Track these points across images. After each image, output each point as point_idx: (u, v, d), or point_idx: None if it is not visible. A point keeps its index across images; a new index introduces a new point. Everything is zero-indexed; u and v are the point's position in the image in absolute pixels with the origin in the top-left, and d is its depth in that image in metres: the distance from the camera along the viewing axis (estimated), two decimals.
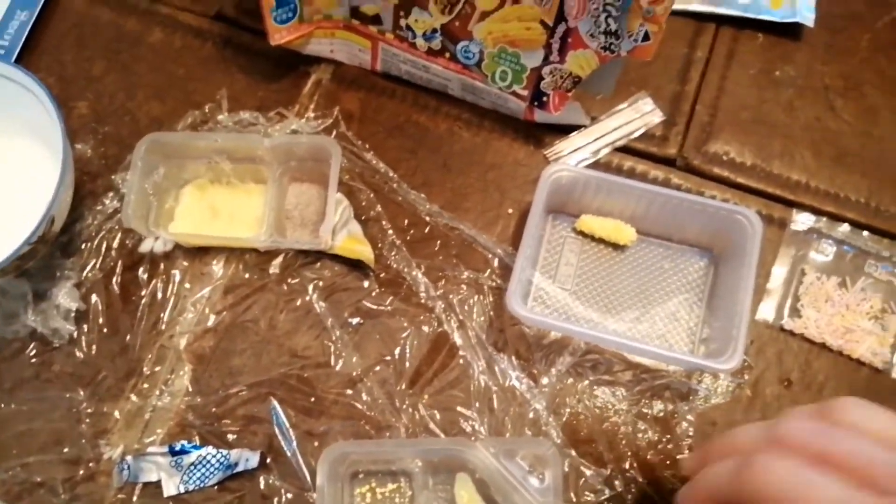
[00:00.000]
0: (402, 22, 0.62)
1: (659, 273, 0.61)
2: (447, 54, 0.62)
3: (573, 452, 0.57)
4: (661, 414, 0.58)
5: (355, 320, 0.61)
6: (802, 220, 0.63)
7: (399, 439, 0.57)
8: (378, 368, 0.60)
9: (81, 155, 0.66)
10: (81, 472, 0.57)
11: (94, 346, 0.61)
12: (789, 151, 0.65)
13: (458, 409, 0.58)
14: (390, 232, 0.63)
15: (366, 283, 0.62)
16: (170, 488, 0.57)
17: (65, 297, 0.60)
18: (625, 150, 0.66)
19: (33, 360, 0.60)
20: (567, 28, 0.56)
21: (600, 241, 0.62)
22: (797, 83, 0.67)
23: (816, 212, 0.63)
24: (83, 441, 0.58)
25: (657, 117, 0.66)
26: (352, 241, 0.61)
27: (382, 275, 0.62)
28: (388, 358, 0.60)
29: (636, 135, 0.66)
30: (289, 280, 0.62)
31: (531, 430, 0.58)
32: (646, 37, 0.54)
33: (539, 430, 0.58)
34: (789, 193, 0.64)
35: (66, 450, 0.58)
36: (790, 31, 0.69)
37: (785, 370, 0.59)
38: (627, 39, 0.55)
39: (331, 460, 0.52)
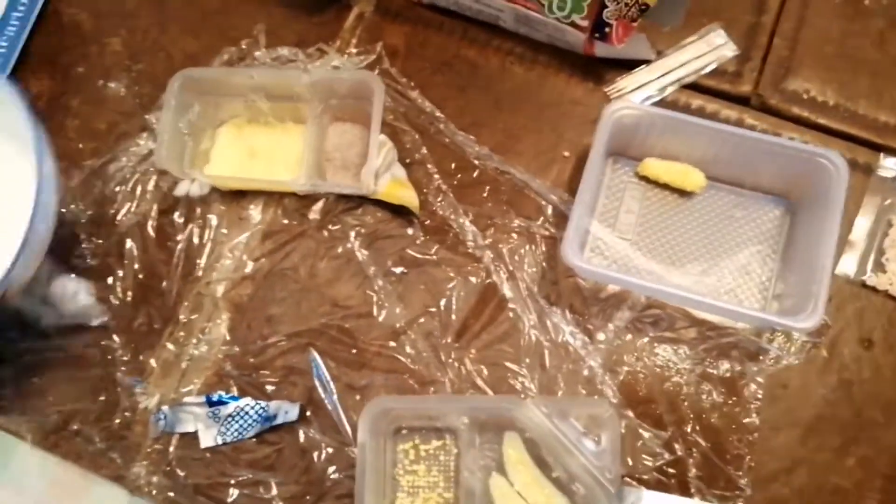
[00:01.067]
0: None
1: (729, 222, 0.56)
2: None
3: (630, 413, 0.53)
4: (728, 374, 0.54)
5: (399, 269, 0.58)
6: (890, 166, 0.57)
7: (444, 395, 0.54)
8: (422, 320, 0.56)
9: (115, 94, 0.64)
10: (118, 420, 0.56)
11: (129, 293, 0.59)
12: (877, 90, 0.59)
13: (507, 364, 0.55)
14: (436, 176, 0.59)
15: (410, 231, 0.58)
16: (207, 439, 0.55)
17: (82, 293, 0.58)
18: (694, 87, 0.60)
19: None
20: None
21: (665, 186, 0.57)
22: (889, 13, 0.60)
23: None
24: (119, 389, 0.57)
25: (730, 51, 0.60)
26: (396, 186, 0.57)
27: (428, 222, 0.58)
28: (434, 309, 0.56)
29: (706, 70, 0.60)
30: (329, 226, 0.59)
31: (585, 389, 0.54)
32: None
33: (594, 389, 0.54)
34: (876, 136, 0.58)
35: (101, 397, 0.57)
36: None
37: (866, 329, 0.54)
38: None
39: (373, 416, 0.49)
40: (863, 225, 0.56)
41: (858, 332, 0.54)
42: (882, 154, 0.57)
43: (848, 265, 0.55)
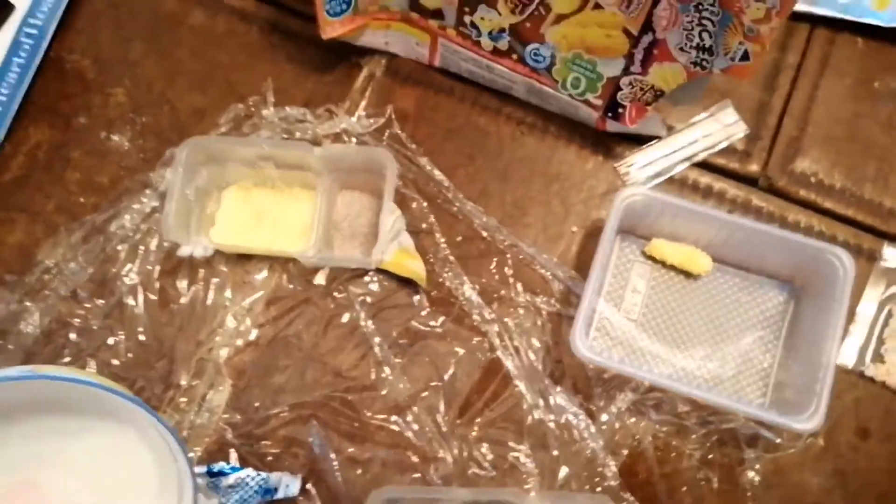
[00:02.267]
0: (467, 19, 0.56)
1: (734, 306, 0.57)
2: (514, 56, 0.57)
3: (630, 497, 0.54)
4: (727, 460, 0.54)
5: (403, 341, 0.57)
6: (894, 254, 0.57)
7: (449, 488, 0.54)
8: (426, 394, 0.56)
9: (118, 147, 0.62)
10: None
11: (129, 355, 0.58)
12: (884, 175, 0.59)
13: (510, 444, 0.55)
14: (443, 246, 0.59)
15: (416, 301, 0.58)
16: None
17: None
18: (703, 164, 0.60)
19: (66, 360, 0.58)
20: (654, 39, 0.50)
21: (671, 267, 0.57)
22: None
23: None
24: None
25: (740, 130, 0.60)
26: (403, 255, 0.57)
27: (434, 293, 0.58)
28: (437, 383, 0.57)
29: (716, 149, 0.60)
30: (335, 294, 0.58)
31: (586, 471, 0.54)
32: (744, 56, 0.48)
33: (594, 471, 0.54)
34: (881, 223, 0.58)
35: None
36: (894, 37, 0.61)
37: (862, 419, 0.55)
38: (722, 57, 0.49)
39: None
40: (864, 313, 0.56)
41: (855, 421, 0.55)
42: (886, 242, 0.58)
43: (847, 354, 0.56)
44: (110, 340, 0.58)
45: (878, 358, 0.55)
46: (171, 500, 0.49)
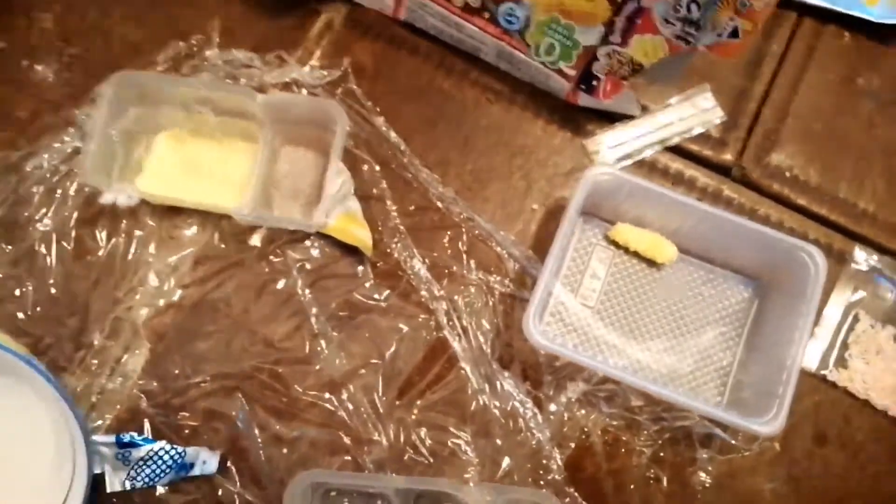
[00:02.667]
0: None
1: (697, 300, 0.54)
2: (486, 14, 0.52)
3: (574, 492, 0.50)
4: (679, 459, 0.52)
5: (343, 313, 0.53)
6: (864, 257, 0.55)
7: (380, 475, 0.49)
8: (363, 372, 0.52)
9: (42, 80, 0.56)
10: None
11: (38, 308, 0.52)
12: (860, 175, 0.57)
13: (451, 429, 0.51)
14: (394, 214, 0.55)
15: (359, 271, 0.54)
16: (114, 483, 0.50)
17: None
18: (675, 149, 0.57)
19: None
20: (638, 7, 0.47)
21: (634, 254, 0.54)
22: (881, 97, 0.58)
23: (881, 249, 0.55)
24: None
25: (717, 117, 0.57)
26: (348, 221, 0.52)
27: (380, 264, 0.54)
28: (377, 361, 0.52)
29: (690, 134, 0.57)
30: (271, 257, 0.53)
31: (530, 463, 0.51)
32: (734, 33, 0.44)
33: (539, 464, 0.51)
34: (853, 223, 0.56)
35: None
36: (882, 33, 0.59)
37: (821, 425, 0.53)
38: (710, 32, 0.45)
39: (302, 489, 0.45)
40: (830, 316, 0.54)
41: (813, 427, 0.53)
42: (857, 245, 0.55)
43: (810, 357, 0.53)
44: (17, 291, 0.52)
45: (842, 363, 0.53)
46: (67, 468, 0.44)
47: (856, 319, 0.54)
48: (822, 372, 0.53)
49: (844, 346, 0.53)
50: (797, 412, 0.53)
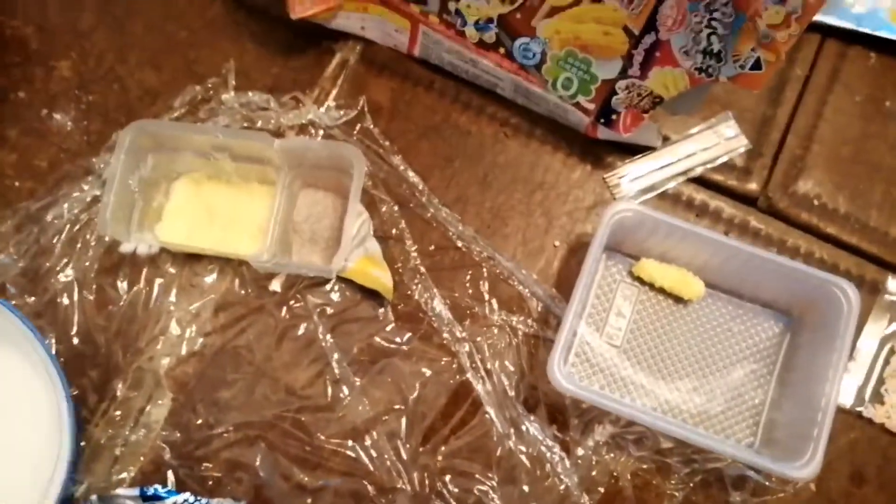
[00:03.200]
0: (452, 5, 0.51)
1: (725, 336, 0.52)
2: (501, 50, 0.51)
3: None
4: (711, 503, 0.50)
5: (365, 358, 0.52)
6: None
7: None
8: (386, 418, 0.51)
9: (60, 127, 0.56)
10: None
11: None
12: (891, 201, 0.55)
13: (477, 476, 0.50)
14: (414, 255, 0.54)
15: (380, 314, 0.53)
16: None
17: None
18: (699, 180, 0.56)
19: None
20: (656, 39, 0.45)
21: (660, 290, 0.53)
22: None
23: None
24: None
25: (741, 145, 0.55)
26: (368, 263, 0.52)
27: (401, 306, 0.53)
28: (400, 407, 0.51)
29: (714, 164, 0.55)
30: (291, 302, 0.53)
31: None
32: (756, 65, 0.43)
33: None
34: (886, 252, 0.54)
35: None
36: None
37: (857, 464, 0.51)
38: (731, 64, 0.44)
39: None
40: (864, 350, 0.52)
41: (850, 466, 0.51)
42: (891, 274, 0.53)
43: (845, 393, 0.52)
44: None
45: (878, 398, 0.51)
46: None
47: (892, 352, 0.52)
48: (858, 408, 0.51)
49: (880, 380, 0.52)
50: (832, 451, 0.51)
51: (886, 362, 0.52)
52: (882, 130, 0.56)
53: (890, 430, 0.51)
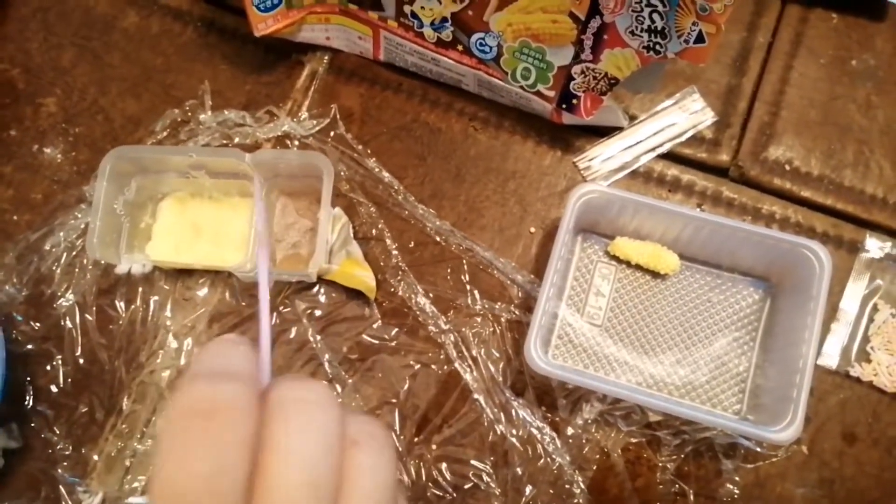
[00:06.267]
0: (407, 9, 0.52)
1: (706, 307, 0.53)
2: (459, 47, 0.53)
3: None
4: (704, 472, 0.51)
5: (355, 356, 0.54)
6: (877, 245, 0.53)
7: None
8: (380, 412, 0.53)
9: (51, 161, 0.59)
10: None
11: (69, 380, 0.55)
12: (864, 159, 0.55)
13: (471, 462, 0.52)
14: (395, 253, 0.55)
15: (366, 311, 0.55)
16: None
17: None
18: (669, 156, 0.56)
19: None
20: (602, 23, 0.46)
21: (637, 268, 0.53)
22: (878, 75, 0.56)
23: (894, 234, 0.54)
24: (60, 486, 0.53)
25: (708, 118, 0.56)
26: (351, 265, 0.53)
27: (385, 303, 0.55)
28: (392, 400, 0.53)
29: (683, 139, 0.56)
30: (280, 308, 0.55)
31: (553, 489, 0.51)
32: (699, 38, 0.44)
33: (562, 489, 0.51)
34: (863, 211, 0.54)
35: (42, 494, 0.53)
36: (871, 9, 0.57)
37: (849, 423, 0.51)
38: (676, 39, 0.45)
39: None
40: (847, 309, 0.52)
41: (841, 426, 0.51)
42: (868, 231, 0.54)
43: (831, 354, 0.52)
44: (48, 366, 0.55)
45: (864, 357, 0.52)
46: None
47: (875, 310, 0.52)
48: (845, 368, 0.51)
49: (865, 339, 0.52)
50: (823, 413, 0.51)
51: (870, 320, 0.52)
52: (850, 91, 0.56)
53: (878, 388, 0.51)
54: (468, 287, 0.55)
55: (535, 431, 0.52)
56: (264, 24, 0.54)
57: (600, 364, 0.52)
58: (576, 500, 0.51)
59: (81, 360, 0.55)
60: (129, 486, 0.53)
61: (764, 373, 0.51)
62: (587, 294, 0.54)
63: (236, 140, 0.57)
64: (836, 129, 0.56)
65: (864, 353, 0.52)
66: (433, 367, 0.53)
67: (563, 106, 0.53)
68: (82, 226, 0.57)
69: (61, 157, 0.59)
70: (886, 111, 0.55)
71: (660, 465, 0.51)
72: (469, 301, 0.54)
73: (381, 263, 0.55)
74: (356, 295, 0.55)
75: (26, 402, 0.55)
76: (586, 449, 0.52)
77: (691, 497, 0.50)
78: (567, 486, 0.51)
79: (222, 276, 0.56)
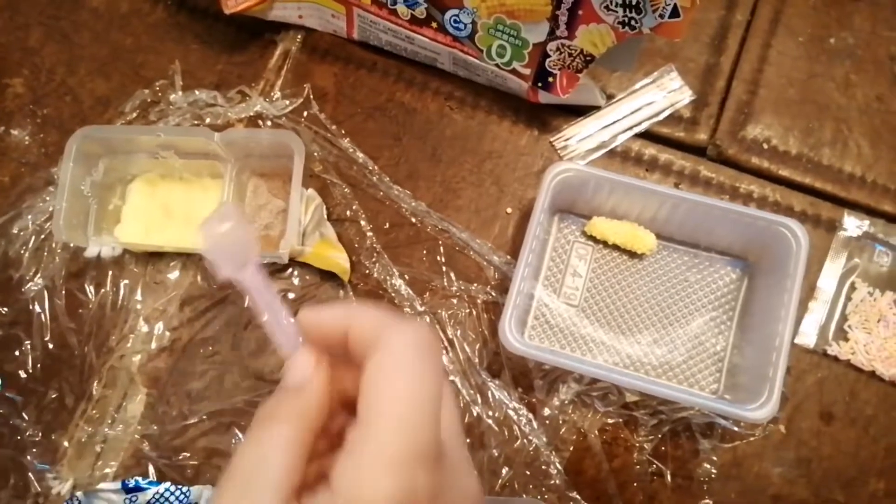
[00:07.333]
0: None
1: (683, 286, 0.52)
2: (434, 24, 0.52)
3: (577, 496, 0.50)
4: (681, 452, 0.50)
5: None
6: (855, 223, 0.53)
7: None
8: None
9: (19, 143, 0.58)
10: None
11: (38, 366, 0.54)
12: (842, 138, 0.55)
13: None
14: (370, 234, 0.55)
15: (341, 294, 0.54)
16: None
17: None
18: (646, 135, 0.56)
19: None
20: None
21: (614, 247, 0.53)
22: (856, 53, 0.56)
23: (872, 212, 0.53)
24: (29, 473, 0.52)
25: (686, 96, 0.55)
26: (324, 247, 0.53)
27: (360, 285, 0.54)
28: None
29: (660, 118, 0.55)
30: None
31: (529, 470, 0.50)
32: (674, 12, 0.43)
33: (538, 470, 0.50)
34: (840, 190, 0.54)
35: (10, 481, 0.52)
36: None
37: (826, 402, 0.51)
38: (651, 14, 0.44)
39: None
40: (824, 288, 0.52)
41: (818, 405, 0.51)
42: (846, 210, 0.53)
43: (808, 332, 0.51)
44: (17, 351, 0.54)
45: (842, 335, 0.51)
46: None
47: (852, 288, 0.52)
48: (823, 347, 0.51)
49: (843, 317, 0.52)
50: (801, 392, 0.51)
51: (848, 298, 0.52)
52: (828, 69, 0.56)
53: (855, 366, 0.51)
54: (444, 268, 0.54)
55: (511, 413, 0.51)
56: (234, 2, 0.53)
57: (577, 344, 0.52)
58: (552, 481, 0.50)
59: (51, 345, 0.54)
60: (100, 472, 0.52)
61: (741, 352, 0.50)
62: (564, 274, 0.53)
63: (207, 121, 0.56)
64: (815, 108, 0.55)
65: (842, 331, 0.51)
66: None
67: (539, 84, 0.52)
68: (51, 209, 0.56)
69: (29, 139, 0.58)
70: (865, 89, 0.55)
71: (637, 445, 0.51)
72: (445, 282, 0.54)
73: (356, 245, 0.54)
74: (330, 277, 0.54)
75: None
76: (563, 430, 0.51)
77: (668, 477, 0.50)
78: (544, 468, 0.50)
79: (194, 258, 0.55)
